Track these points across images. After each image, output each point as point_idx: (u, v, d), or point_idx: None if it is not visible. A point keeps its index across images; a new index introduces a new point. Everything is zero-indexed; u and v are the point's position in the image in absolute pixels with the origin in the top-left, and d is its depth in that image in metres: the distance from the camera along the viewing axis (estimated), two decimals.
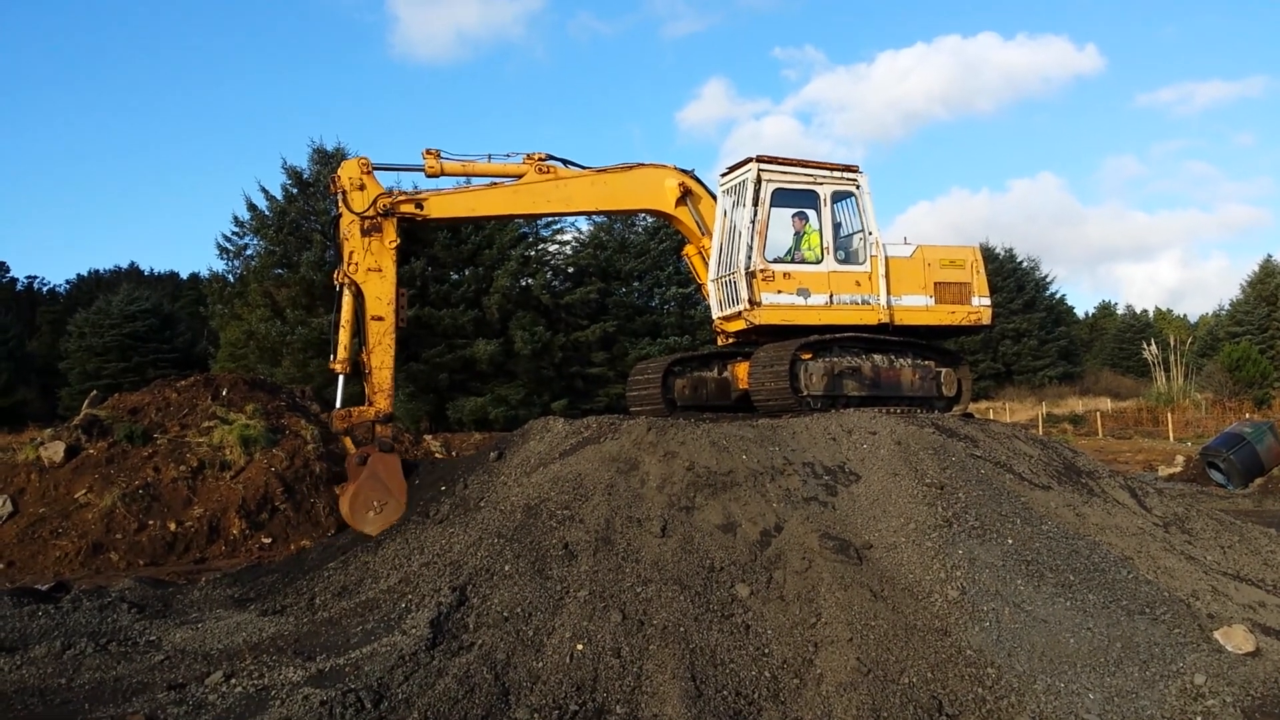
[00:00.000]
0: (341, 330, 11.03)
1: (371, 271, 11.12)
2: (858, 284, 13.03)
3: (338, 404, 11.05)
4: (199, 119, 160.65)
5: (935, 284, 13.62)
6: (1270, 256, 77.89)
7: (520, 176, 12.47)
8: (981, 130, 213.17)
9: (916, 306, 13.44)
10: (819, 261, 12.86)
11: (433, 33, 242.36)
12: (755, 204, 12.38)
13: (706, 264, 13.36)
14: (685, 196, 13.36)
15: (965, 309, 13.81)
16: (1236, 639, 7.80)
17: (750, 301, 12.34)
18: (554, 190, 12.55)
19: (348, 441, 11.22)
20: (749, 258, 12.36)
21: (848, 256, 13.15)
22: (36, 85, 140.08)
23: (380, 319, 11.09)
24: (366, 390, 11.13)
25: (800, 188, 12.98)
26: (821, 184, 13.01)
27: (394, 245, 11.25)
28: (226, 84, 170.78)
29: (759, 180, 12.52)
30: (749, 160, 12.73)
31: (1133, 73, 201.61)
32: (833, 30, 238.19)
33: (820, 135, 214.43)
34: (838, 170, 13.16)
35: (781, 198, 12.84)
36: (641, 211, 13.09)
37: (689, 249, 14.17)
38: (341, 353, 10.97)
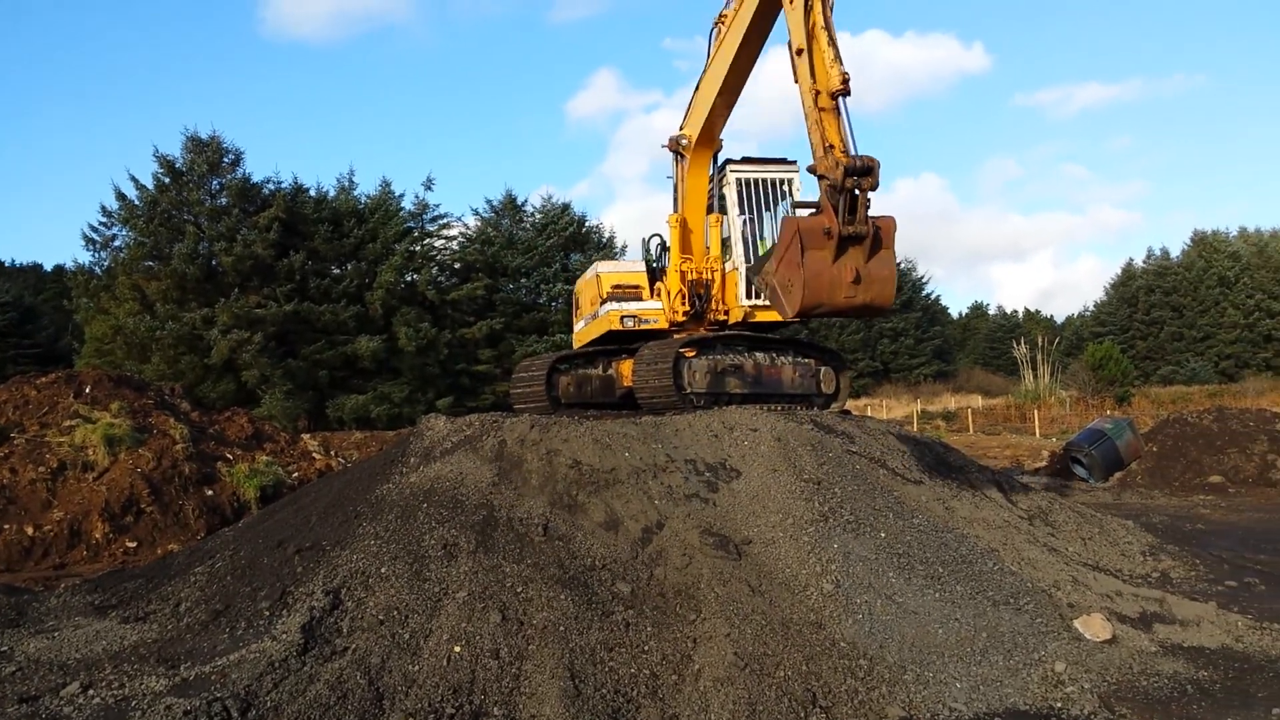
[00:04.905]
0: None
1: None
2: None
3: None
4: (61, 102, 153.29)
5: None
6: (1132, 260, 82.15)
7: None
8: (868, 128, 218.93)
9: None
10: None
11: (307, 9, 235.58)
12: (795, 206, 12.45)
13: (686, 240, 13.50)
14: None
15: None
16: (1095, 627, 8.15)
17: None
18: None
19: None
20: None
21: None
22: None
23: None
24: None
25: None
26: None
27: None
28: (90, 63, 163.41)
29: (797, 186, 13.38)
30: (794, 162, 13.47)
31: (1017, 73, 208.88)
32: None
33: None
34: None
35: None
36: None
37: (672, 217, 13.78)
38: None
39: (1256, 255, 75.92)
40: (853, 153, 8.54)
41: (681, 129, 13.26)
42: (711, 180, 13.57)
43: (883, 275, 8.52)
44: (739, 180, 13.38)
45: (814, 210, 8.73)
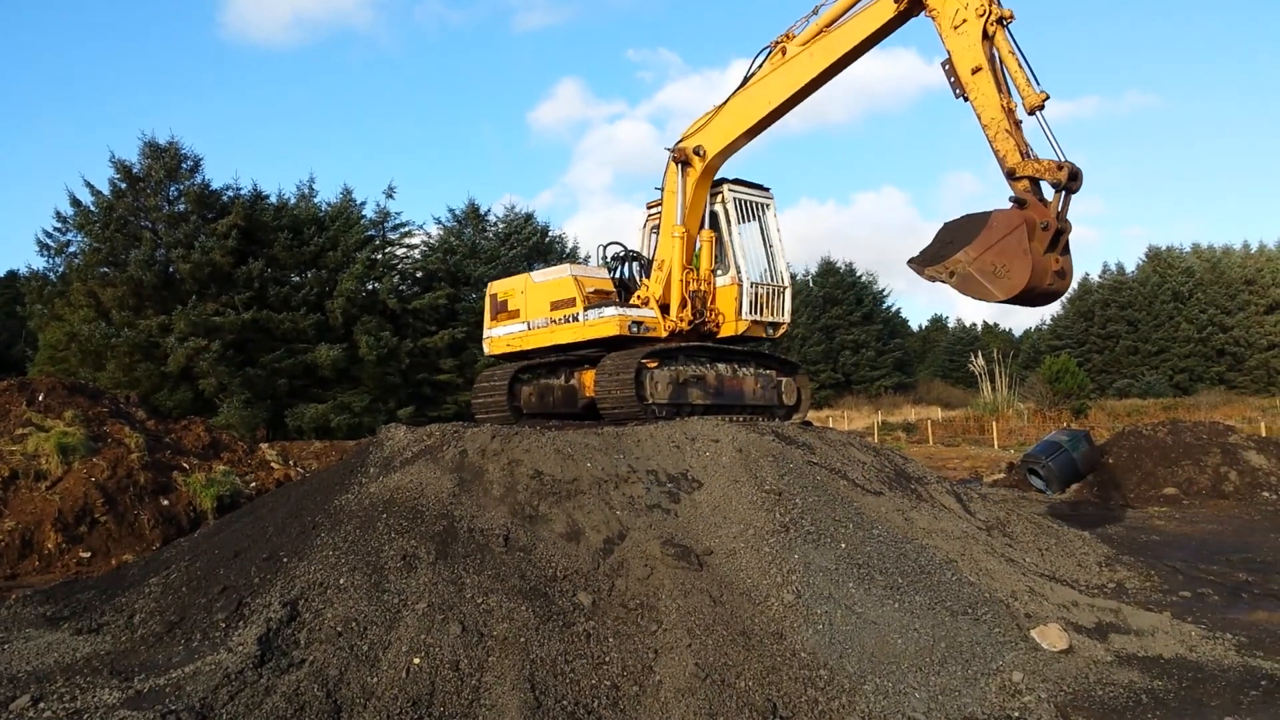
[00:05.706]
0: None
1: None
2: None
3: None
4: (15, 105, 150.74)
5: None
6: (1088, 275, 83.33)
7: None
8: (832, 142, 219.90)
9: None
10: None
11: (268, 14, 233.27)
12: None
13: (687, 251, 13.59)
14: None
15: None
16: (1051, 637, 8.25)
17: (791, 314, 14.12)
18: None
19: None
20: (785, 271, 14.09)
21: None
22: None
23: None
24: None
25: None
26: None
27: None
28: (46, 66, 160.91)
29: (774, 211, 14.28)
30: (769, 189, 14.32)
31: None
32: (687, 34, 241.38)
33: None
34: None
35: None
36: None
37: (679, 229, 13.44)
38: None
39: (1209, 271, 77.38)
40: (1062, 159, 9.35)
41: (693, 140, 13.07)
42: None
43: (1070, 269, 9.41)
44: (736, 199, 13.76)
45: (1015, 206, 9.39)
